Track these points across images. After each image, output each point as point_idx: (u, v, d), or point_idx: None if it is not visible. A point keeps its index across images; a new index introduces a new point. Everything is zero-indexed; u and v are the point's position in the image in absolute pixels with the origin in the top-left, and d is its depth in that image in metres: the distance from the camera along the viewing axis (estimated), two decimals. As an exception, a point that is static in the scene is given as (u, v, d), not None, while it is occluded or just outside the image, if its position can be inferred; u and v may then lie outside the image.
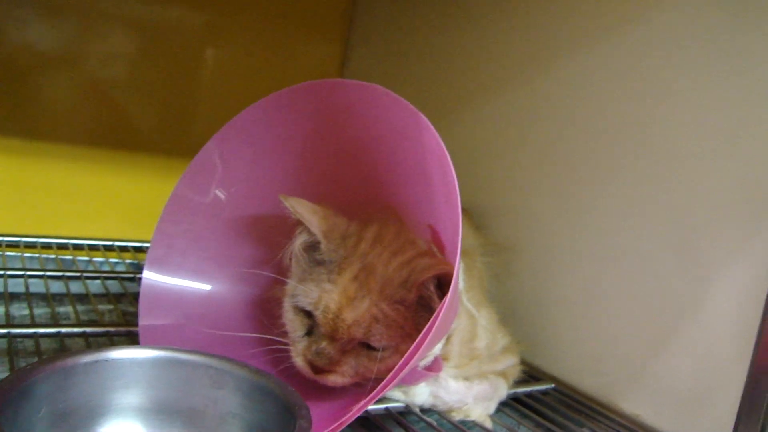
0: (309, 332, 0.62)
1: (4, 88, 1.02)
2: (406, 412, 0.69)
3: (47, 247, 1.02)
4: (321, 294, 0.60)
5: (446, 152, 0.52)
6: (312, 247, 0.64)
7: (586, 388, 0.80)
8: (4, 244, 0.99)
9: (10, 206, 1.04)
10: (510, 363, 0.76)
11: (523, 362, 0.82)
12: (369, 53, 1.28)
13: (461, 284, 0.70)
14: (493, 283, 0.86)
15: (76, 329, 0.73)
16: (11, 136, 1.03)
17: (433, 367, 0.67)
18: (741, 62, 0.68)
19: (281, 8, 1.23)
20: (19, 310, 0.86)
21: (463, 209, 0.92)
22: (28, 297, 0.83)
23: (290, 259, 0.64)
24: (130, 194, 1.12)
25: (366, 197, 0.68)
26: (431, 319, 0.50)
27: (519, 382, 0.79)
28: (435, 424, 0.67)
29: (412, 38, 1.16)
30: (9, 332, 0.70)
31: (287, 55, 1.25)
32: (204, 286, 0.70)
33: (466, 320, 0.70)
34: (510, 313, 0.85)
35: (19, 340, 0.72)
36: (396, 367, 0.50)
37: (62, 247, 1.02)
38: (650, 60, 0.76)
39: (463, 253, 0.77)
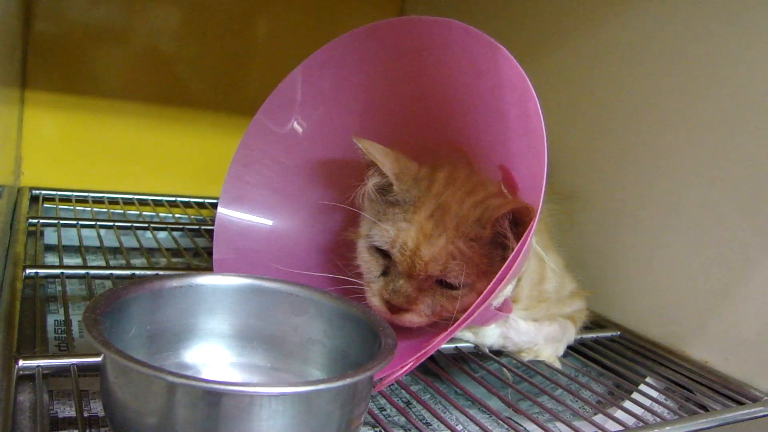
0: (385, 272, 0.62)
1: (68, 53, 1.04)
2: (476, 352, 0.69)
3: (114, 202, 1.04)
4: (397, 232, 0.60)
5: (530, 84, 0.51)
6: (384, 189, 0.64)
7: (653, 336, 0.79)
8: (73, 199, 1.01)
9: (78, 163, 1.06)
10: (578, 307, 0.76)
11: (589, 310, 0.82)
12: (425, 12, 1.27)
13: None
14: (558, 229, 0.85)
15: (149, 271, 0.75)
16: (80, 95, 1.06)
17: (504, 308, 0.67)
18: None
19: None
20: (94, 261, 0.89)
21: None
22: (102, 247, 0.85)
23: (363, 200, 0.65)
24: (190, 152, 1.14)
25: (436, 139, 0.68)
26: (514, 252, 0.50)
27: (585, 329, 0.79)
28: (505, 363, 0.68)
29: (464, 7, 1.15)
30: (88, 273, 0.72)
31: (339, 17, 1.25)
32: (277, 223, 0.71)
33: (535, 263, 0.70)
34: (575, 262, 0.84)
35: (97, 281, 0.74)
36: (475, 303, 0.50)
37: (128, 202, 1.05)
38: (727, 13, 0.74)
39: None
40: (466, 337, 0.69)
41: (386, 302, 0.60)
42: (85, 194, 1.03)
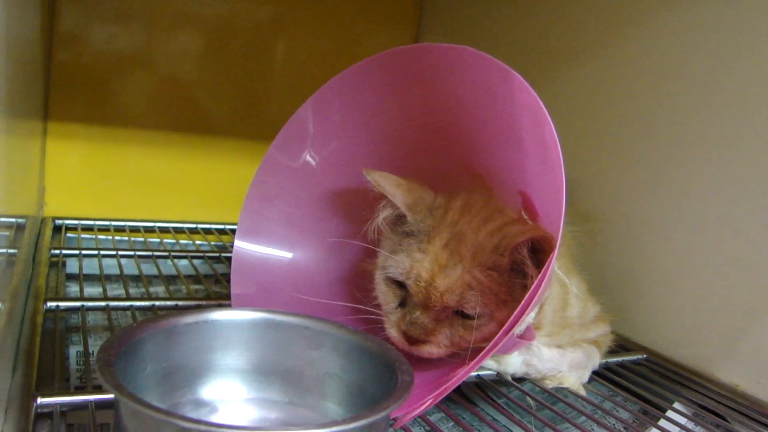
0: (402, 303, 0.62)
1: (89, 83, 1.06)
2: (499, 380, 0.68)
3: (135, 230, 1.05)
4: (412, 263, 0.59)
5: (544, 109, 0.50)
6: (399, 219, 0.64)
7: (680, 358, 0.78)
8: (96, 228, 1.02)
9: (100, 192, 1.08)
10: (602, 331, 0.74)
11: (614, 333, 0.81)
12: (441, 35, 1.27)
13: (552, 252, 0.68)
14: (581, 252, 0.84)
15: (168, 302, 0.75)
16: (101, 125, 1.07)
17: (526, 336, 0.65)
18: None
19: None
20: (115, 289, 0.90)
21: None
22: (122, 276, 0.86)
23: (375, 233, 0.64)
24: (211, 179, 1.15)
25: (454, 166, 0.68)
26: (536, 281, 0.49)
27: (610, 353, 0.77)
28: (528, 390, 0.66)
29: (483, 13, 1.14)
30: (108, 305, 0.73)
31: (357, 41, 1.25)
32: (295, 256, 0.71)
33: (558, 288, 0.68)
34: (599, 284, 0.83)
35: (118, 311, 0.74)
36: (500, 332, 0.49)
37: (149, 230, 1.05)
38: (747, 23, 0.72)
39: (550, 220, 0.77)
40: (488, 365, 0.67)
41: (404, 333, 0.60)
42: (107, 223, 1.04)
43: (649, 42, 0.83)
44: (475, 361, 0.49)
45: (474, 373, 0.67)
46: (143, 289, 0.84)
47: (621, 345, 0.81)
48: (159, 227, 1.06)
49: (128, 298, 0.77)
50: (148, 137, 1.10)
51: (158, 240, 1.03)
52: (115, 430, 0.41)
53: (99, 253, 0.90)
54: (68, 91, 1.04)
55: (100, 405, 0.52)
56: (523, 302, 0.49)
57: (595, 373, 0.74)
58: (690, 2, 0.78)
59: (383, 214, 0.63)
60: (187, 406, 0.49)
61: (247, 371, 0.51)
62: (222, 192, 1.15)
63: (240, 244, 0.68)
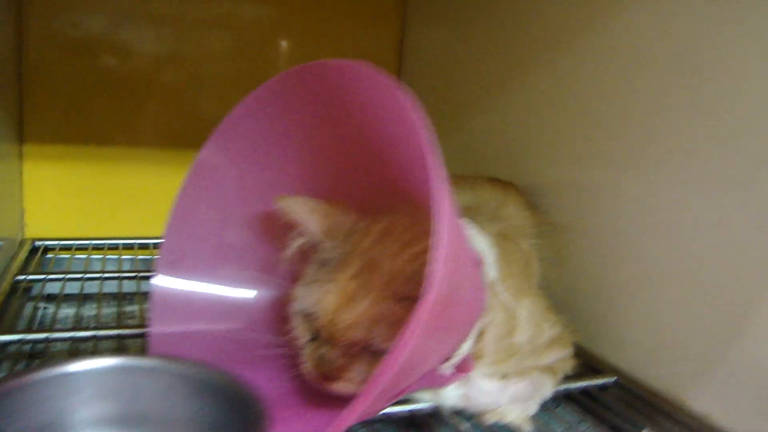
0: (315, 337, 0.58)
1: (63, 103, 1.06)
2: (434, 413, 0.64)
3: (113, 248, 1.05)
4: (320, 295, 0.56)
5: (420, 124, 0.45)
6: (317, 247, 0.60)
7: (652, 383, 0.71)
8: (73, 248, 1.03)
9: (79, 211, 1.08)
10: (558, 356, 0.68)
11: (584, 353, 0.75)
12: (426, 31, 1.21)
13: (494, 273, 0.63)
14: (549, 266, 0.78)
15: (111, 331, 0.74)
16: (78, 144, 1.07)
17: (462, 368, 0.61)
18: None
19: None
20: (89, 311, 0.90)
21: (509, 185, 0.86)
22: (79, 300, 0.86)
23: (288, 263, 0.61)
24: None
25: (385, 187, 0.63)
26: (406, 331, 0.43)
27: (578, 375, 0.72)
28: (465, 427, 0.62)
29: (468, 10, 1.09)
30: (48, 336, 0.72)
31: (348, 44, 1.23)
32: (219, 289, 0.68)
33: (501, 314, 0.63)
34: (570, 299, 0.78)
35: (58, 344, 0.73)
36: (356, 400, 0.44)
37: (128, 247, 1.05)
38: (728, 25, 0.65)
39: (502, 236, 0.71)
40: (425, 398, 0.63)
41: (316, 370, 0.56)
42: (87, 242, 1.04)
43: (618, 41, 0.76)
44: (342, 417, 0.44)
45: (406, 407, 0.63)
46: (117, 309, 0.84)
47: (591, 366, 0.75)
48: (138, 244, 1.06)
49: (72, 329, 0.76)
50: (127, 153, 1.10)
51: (132, 257, 1.03)
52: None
53: (64, 277, 0.89)
54: (44, 112, 1.04)
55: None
56: (373, 380, 0.43)
57: (563, 397, 0.70)
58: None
59: (297, 243, 0.60)
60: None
61: (110, 421, 0.49)
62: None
63: (160, 279, 0.65)
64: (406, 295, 0.54)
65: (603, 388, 0.72)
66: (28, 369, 0.48)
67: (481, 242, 0.64)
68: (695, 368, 0.67)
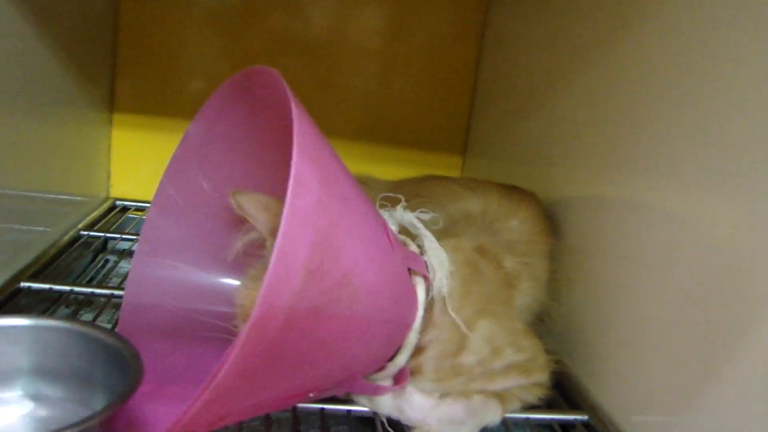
0: None
1: (154, 75, 1.16)
2: (370, 418, 0.64)
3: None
4: (250, 291, 0.58)
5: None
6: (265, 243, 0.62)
7: (626, 424, 0.66)
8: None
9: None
10: (516, 383, 0.65)
11: (566, 383, 0.72)
12: (509, 19, 1.16)
13: (445, 289, 0.62)
14: (544, 289, 0.75)
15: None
16: (165, 117, 1.17)
17: (398, 379, 0.61)
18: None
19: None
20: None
21: (526, 197, 0.81)
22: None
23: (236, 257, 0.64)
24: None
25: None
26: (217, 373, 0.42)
27: (548, 407, 0.68)
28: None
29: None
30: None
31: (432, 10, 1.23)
32: (194, 272, 0.72)
33: (449, 332, 0.62)
34: (565, 325, 0.74)
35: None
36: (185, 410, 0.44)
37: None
38: (717, 54, 0.58)
39: (479, 251, 0.69)
40: (361, 401, 0.64)
41: None
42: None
43: (627, 82, 0.70)
44: (184, 412, 0.46)
45: (344, 407, 0.64)
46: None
47: (569, 399, 0.71)
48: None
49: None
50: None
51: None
52: None
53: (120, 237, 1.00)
54: (133, 83, 1.14)
55: None
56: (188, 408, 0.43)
57: (530, 425, 0.68)
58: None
59: (245, 238, 0.62)
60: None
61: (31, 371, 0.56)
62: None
63: (139, 257, 0.71)
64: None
65: (571, 425, 0.68)
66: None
67: (437, 256, 0.62)
68: (667, 418, 0.61)
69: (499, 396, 0.65)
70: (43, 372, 0.55)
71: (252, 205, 0.61)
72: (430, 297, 0.61)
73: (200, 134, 0.68)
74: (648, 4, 0.69)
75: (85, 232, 0.98)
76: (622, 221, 0.71)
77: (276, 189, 0.62)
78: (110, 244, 1.04)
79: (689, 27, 0.62)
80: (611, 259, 0.72)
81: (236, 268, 0.72)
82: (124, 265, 0.98)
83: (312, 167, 0.47)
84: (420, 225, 0.65)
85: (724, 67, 0.57)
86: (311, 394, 0.57)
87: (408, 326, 0.59)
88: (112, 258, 1.03)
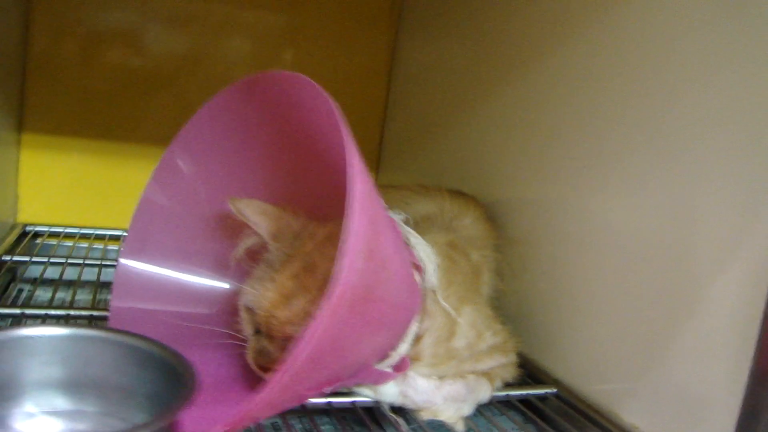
0: (258, 331, 0.62)
1: (64, 94, 1.11)
2: (374, 407, 0.67)
3: (100, 238, 1.10)
4: (262, 293, 0.60)
5: (342, 125, 0.49)
6: (265, 247, 0.64)
7: (588, 394, 0.74)
8: (62, 235, 1.08)
9: (72, 200, 1.12)
10: (497, 363, 0.72)
11: (528, 363, 0.79)
12: (419, 41, 1.26)
13: (435, 281, 0.67)
14: (499, 279, 0.82)
15: (83, 312, 0.79)
16: (75, 136, 1.12)
17: (399, 367, 0.65)
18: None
19: (337, 8, 1.26)
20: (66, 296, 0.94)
21: (470, 197, 0.89)
22: (55, 283, 0.90)
23: (237, 261, 0.66)
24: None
25: (337, 192, 0.67)
26: (312, 326, 0.44)
27: (520, 384, 0.75)
28: (401, 422, 0.65)
29: (455, 26, 1.13)
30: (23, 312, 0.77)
31: (342, 50, 1.27)
32: (180, 276, 0.72)
33: (442, 319, 0.67)
34: (520, 310, 0.81)
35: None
36: (266, 389, 0.46)
37: (113, 238, 1.10)
38: (659, 50, 0.69)
39: (450, 245, 0.75)
40: (365, 393, 0.67)
41: (255, 362, 0.60)
42: (74, 230, 1.09)
43: (576, 64, 0.80)
44: (263, 392, 0.48)
45: (348, 400, 0.67)
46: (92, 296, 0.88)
47: (534, 376, 0.78)
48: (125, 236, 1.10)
49: (47, 306, 0.81)
50: (124, 149, 1.14)
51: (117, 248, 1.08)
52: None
53: (47, 261, 0.94)
54: (44, 102, 1.09)
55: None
56: (284, 368, 0.45)
57: (503, 404, 0.73)
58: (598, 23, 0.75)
59: (247, 243, 0.64)
60: (13, 418, 0.52)
61: (61, 385, 0.53)
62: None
63: (125, 261, 0.70)
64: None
65: (543, 398, 0.75)
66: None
67: (424, 250, 0.67)
68: (626, 383, 0.70)
69: (487, 375, 0.71)
70: (78, 384, 0.53)
71: (251, 211, 0.63)
72: (422, 288, 0.66)
73: (195, 135, 0.68)
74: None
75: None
76: (555, 215, 0.81)
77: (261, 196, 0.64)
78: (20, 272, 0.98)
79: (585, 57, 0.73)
80: (552, 246, 0.82)
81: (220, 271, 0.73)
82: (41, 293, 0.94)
83: (359, 160, 0.51)
84: (402, 223, 0.70)
85: (616, 84, 0.68)
86: (327, 389, 0.60)
87: (415, 314, 0.63)
88: (26, 287, 0.98)
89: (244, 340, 0.63)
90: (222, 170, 0.70)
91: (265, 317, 0.58)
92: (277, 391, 0.47)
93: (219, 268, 0.72)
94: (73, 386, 0.53)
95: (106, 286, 0.94)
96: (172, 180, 0.70)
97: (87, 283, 0.95)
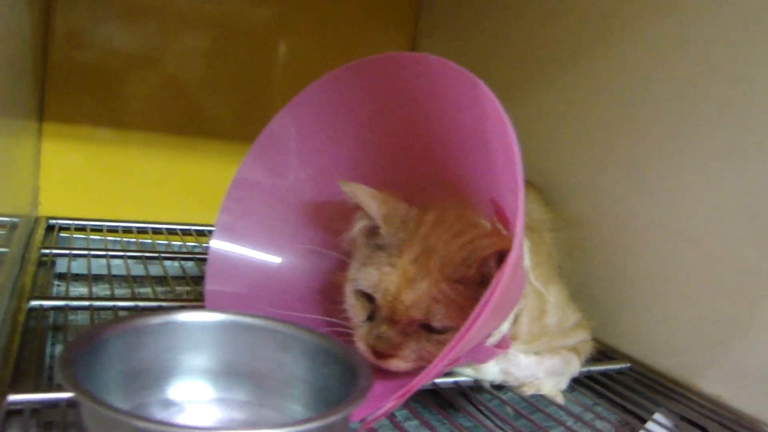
0: (371, 317, 0.61)
1: (86, 84, 1.07)
2: (477, 387, 0.68)
3: (128, 231, 1.06)
4: (381, 276, 0.59)
5: (506, 120, 0.50)
6: (372, 232, 0.64)
7: (663, 368, 0.77)
8: (88, 228, 1.03)
9: (94, 192, 1.08)
10: (581, 338, 0.74)
11: (597, 341, 0.80)
12: (438, 39, 1.27)
13: (527, 262, 0.68)
14: (565, 259, 0.84)
15: (152, 303, 0.76)
16: (97, 126, 1.08)
17: (501, 345, 0.65)
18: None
19: (357, 9, 1.26)
20: (103, 290, 0.90)
21: (528, 183, 0.91)
22: (109, 277, 0.86)
23: (350, 243, 0.65)
24: (207, 181, 1.15)
25: (429, 179, 0.67)
26: (487, 294, 0.48)
27: (593, 361, 0.77)
28: (506, 399, 0.66)
29: (479, 18, 1.14)
30: (91, 304, 0.73)
31: (356, 44, 1.26)
32: (271, 259, 0.71)
33: (534, 298, 0.68)
34: (585, 291, 0.83)
35: (102, 311, 0.74)
36: (449, 345, 0.48)
37: (142, 231, 1.06)
38: (733, 31, 0.72)
39: (530, 229, 0.76)
40: (466, 372, 0.67)
41: (371, 347, 0.60)
42: (101, 223, 1.05)
43: (640, 47, 0.83)
44: (433, 363, 0.48)
45: (451, 380, 0.67)
46: (130, 290, 0.85)
47: (605, 353, 0.81)
48: (152, 228, 1.07)
49: (113, 298, 0.78)
50: (146, 139, 1.11)
51: (150, 241, 1.04)
52: (80, 429, 0.41)
53: (89, 254, 0.90)
54: (65, 92, 1.04)
55: (72, 403, 0.53)
56: (473, 314, 0.47)
57: (577, 381, 0.74)
58: (682, 7, 0.78)
59: (359, 225, 0.64)
60: (153, 407, 0.49)
61: (217, 372, 0.51)
62: (218, 195, 1.15)
63: (216, 244, 0.68)
64: (458, 278, 0.59)
65: (619, 372, 0.78)
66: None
67: (517, 231, 0.68)
68: (705, 355, 0.73)
69: (574, 349, 0.72)
70: (230, 373, 0.51)
71: (363, 193, 0.62)
72: (522, 268, 0.67)
73: (303, 109, 0.67)
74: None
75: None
76: (634, 199, 0.83)
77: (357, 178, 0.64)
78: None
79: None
80: (629, 232, 0.84)
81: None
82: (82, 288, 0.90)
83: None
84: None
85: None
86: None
87: (521, 294, 0.64)
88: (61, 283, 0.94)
89: (348, 327, 0.63)
90: (316, 158, 0.69)
91: (390, 301, 0.58)
92: (452, 355, 0.47)
93: (310, 255, 0.72)
94: (224, 375, 0.51)
95: (159, 280, 0.92)
96: (263, 168, 0.69)
97: (137, 277, 0.92)
